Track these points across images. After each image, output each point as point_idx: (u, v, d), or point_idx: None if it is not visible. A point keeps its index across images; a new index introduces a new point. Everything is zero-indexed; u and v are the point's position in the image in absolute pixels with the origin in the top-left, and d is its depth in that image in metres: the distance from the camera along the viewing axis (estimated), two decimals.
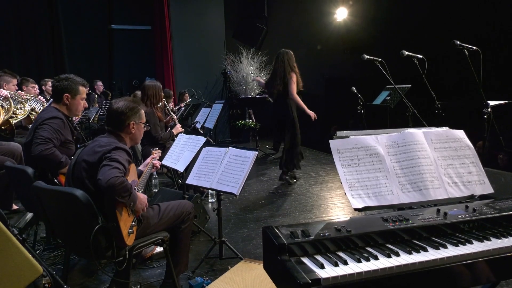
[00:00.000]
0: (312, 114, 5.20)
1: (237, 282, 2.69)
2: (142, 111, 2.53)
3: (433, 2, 5.70)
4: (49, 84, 6.55)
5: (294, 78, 5.07)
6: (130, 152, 2.34)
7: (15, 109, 4.34)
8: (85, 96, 3.20)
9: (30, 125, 4.36)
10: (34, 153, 2.80)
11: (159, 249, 3.16)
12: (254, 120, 8.93)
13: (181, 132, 4.48)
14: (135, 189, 2.23)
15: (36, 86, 5.69)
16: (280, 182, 5.50)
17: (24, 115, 4.44)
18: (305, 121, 5.41)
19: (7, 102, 4.27)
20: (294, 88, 5.07)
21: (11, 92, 4.47)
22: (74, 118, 3.82)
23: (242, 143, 9.30)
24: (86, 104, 3.32)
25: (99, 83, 9.18)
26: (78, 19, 9.86)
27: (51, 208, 2.31)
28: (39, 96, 5.14)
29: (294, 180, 5.52)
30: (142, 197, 2.30)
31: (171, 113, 5.01)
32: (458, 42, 3.13)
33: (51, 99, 3.24)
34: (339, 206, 4.51)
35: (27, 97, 4.67)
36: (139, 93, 5.34)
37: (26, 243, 2.26)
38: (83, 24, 9.91)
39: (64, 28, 9.63)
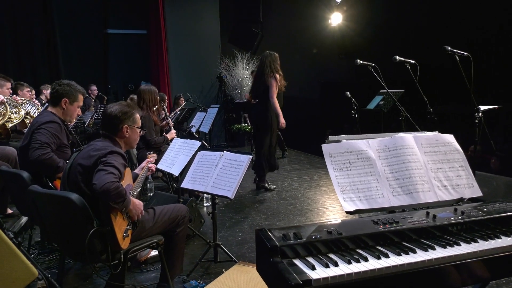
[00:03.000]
0: (283, 123, 5.11)
1: (232, 285, 2.71)
2: (137, 115, 2.55)
3: (426, 9, 5.77)
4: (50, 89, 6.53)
5: (274, 81, 4.96)
6: (125, 156, 2.36)
7: (10, 114, 4.35)
8: (81, 104, 3.26)
9: (25, 129, 4.37)
10: (32, 157, 2.81)
11: (154, 252, 3.17)
12: (249, 124, 8.96)
13: (174, 137, 4.53)
14: (129, 193, 2.25)
15: (29, 89, 5.68)
16: (274, 186, 5.53)
17: (19, 119, 4.45)
18: (299, 125, 5.45)
19: (2, 107, 4.28)
20: (274, 91, 4.98)
21: (7, 97, 4.48)
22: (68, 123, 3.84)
23: (237, 147, 9.33)
24: (80, 112, 3.37)
25: (93, 87, 9.20)
26: (74, 23, 9.87)
27: (46, 212, 2.32)
28: (34, 100, 5.15)
29: (274, 186, 5.46)
30: (138, 203, 2.31)
31: (168, 118, 5.04)
32: (449, 48, 3.18)
33: (47, 104, 3.26)
34: (333, 209, 4.54)
35: (22, 101, 4.67)
36: (135, 97, 5.36)
37: (21, 246, 2.27)
38: (78, 28, 9.92)
39: (59, 32, 9.63)
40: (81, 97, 3.20)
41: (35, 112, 4.74)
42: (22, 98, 4.85)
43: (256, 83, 5.23)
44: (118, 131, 2.44)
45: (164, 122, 4.98)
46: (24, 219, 3.49)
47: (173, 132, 4.74)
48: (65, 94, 3.08)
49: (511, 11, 4.62)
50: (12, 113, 4.43)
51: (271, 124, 5.11)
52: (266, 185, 5.40)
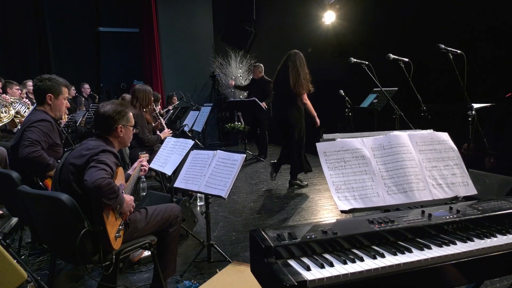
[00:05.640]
0: (317, 122, 5.33)
1: (226, 285, 2.69)
2: (130, 114, 2.52)
3: (419, 6, 5.78)
4: (29, 84, 6.44)
5: (302, 81, 4.94)
6: (118, 155, 2.33)
7: None
8: (67, 95, 3.19)
9: (15, 129, 4.32)
10: (22, 155, 2.76)
11: (147, 253, 3.14)
12: (243, 123, 8.93)
13: (169, 136, 4.48)
14: (122, 192, 2.22)
15: (19, 87, 5.62)
16: (268, 185, 5.50)
17: (9, 118, 4.39)
18: None
19: None
20: (303, 93, 4.96)
21: None
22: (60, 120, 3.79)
23: (231, 146, 9.30)
24: (68, 104, 3.31)
25: (86, 86, 9.11)
26: (65, 22, 9.76)
27: (36, 213, 2.28)
28: (24, 99, 5.08)
29: (306, 183, 5.44)
30: (129, 199, 2.28)
31: (159, 117, 5.00)
32: (443, 46, 3.17)
33: (36, 103, 3.21)
34: (327, 208, 4.53)
35: (11, 100, 4.61)
36: (127, 96, 5.31)
37: (10, 248, 2.23)
38: (70, 26, 9.80)
39: (51, 30, 9.52)
40: (65, 89, 3.12)
41: (25, 111, 4.68)
42: (12, 97, 4.79)
43: (278, 82, 5.13)
44: (113, 131, 2.42)
45: (156, 122, 4.94)
46: (14, 220, 3.43)
47: (166, 131, 4.70)
48: (47, 89, 3.01)
49: (503, 9, 4.64)
50: (2, 112, 4.37)
51: (296, 121, 5.11)
52: (299, 181, 5.38)
